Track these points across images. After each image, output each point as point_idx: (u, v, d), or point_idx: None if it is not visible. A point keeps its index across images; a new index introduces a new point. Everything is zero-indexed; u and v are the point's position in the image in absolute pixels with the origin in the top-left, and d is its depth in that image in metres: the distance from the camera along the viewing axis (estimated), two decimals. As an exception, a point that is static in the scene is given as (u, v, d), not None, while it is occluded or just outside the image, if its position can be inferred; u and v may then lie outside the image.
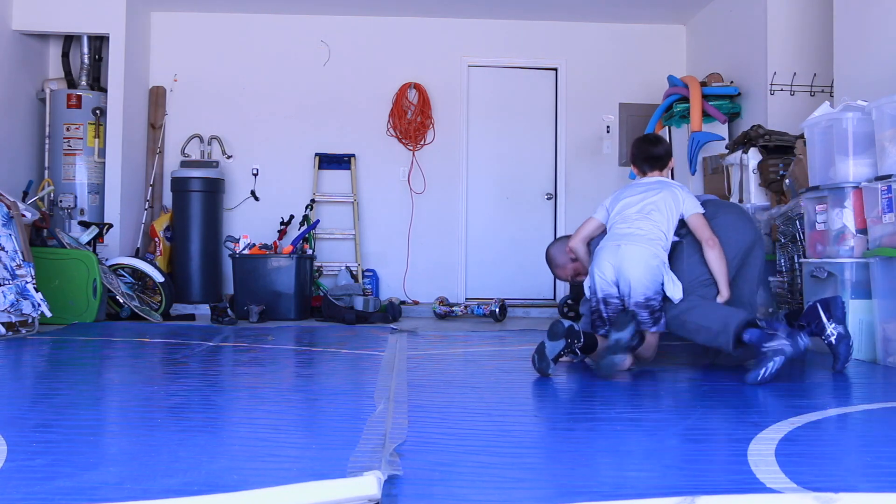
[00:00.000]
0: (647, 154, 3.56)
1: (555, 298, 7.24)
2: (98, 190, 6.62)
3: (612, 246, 3.29)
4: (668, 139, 6.48)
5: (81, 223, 6.20)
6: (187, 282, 6.60)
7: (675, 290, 3.20)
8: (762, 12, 5.82)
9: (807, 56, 5.68)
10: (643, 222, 3.31)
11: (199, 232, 6.64)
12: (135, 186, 6.85)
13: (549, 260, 3.81)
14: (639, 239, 3.26)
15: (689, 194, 3.41)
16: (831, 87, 5.14)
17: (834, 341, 3.19)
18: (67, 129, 6.59)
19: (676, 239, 3.35)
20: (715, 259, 3.25)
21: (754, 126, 4.97)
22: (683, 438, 2.09)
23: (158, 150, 7.05)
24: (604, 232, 3.48)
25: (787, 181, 4.46)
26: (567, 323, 3.12)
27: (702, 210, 3.35)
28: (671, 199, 3.35)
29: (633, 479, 1.68)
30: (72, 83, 6.83)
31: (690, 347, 3.86)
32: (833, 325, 3.19)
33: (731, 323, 3.04)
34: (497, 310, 6.11)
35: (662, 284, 3.21)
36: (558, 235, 7.20)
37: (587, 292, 3.38)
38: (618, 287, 3.24)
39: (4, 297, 4.35)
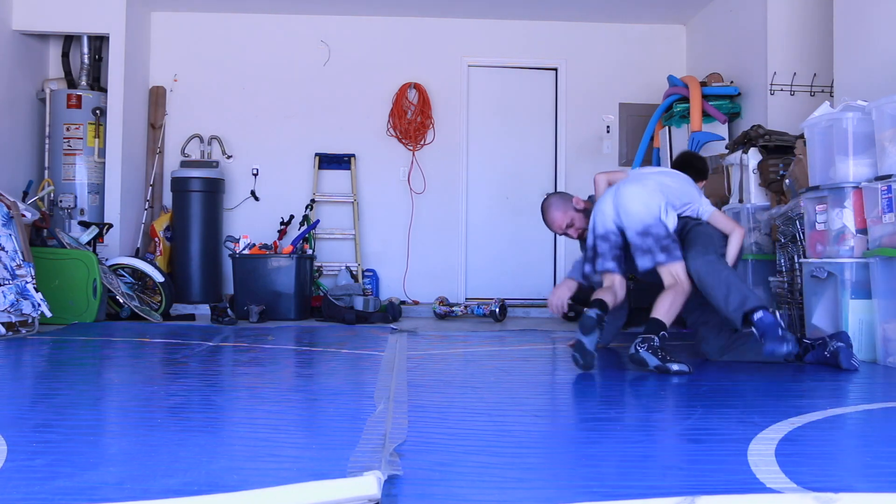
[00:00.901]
0: (681, 160, 4.06)
1: (555, 298, 7.23)
2: (98, 190, 6.62)
3: (612, 190, 3.51)
4: (668, 139, 6.48)
5: (81, 223, 6.20)
6: (187, 282, 6.60)
7: (669, 220, 3.37)
8: (762, 12, 5.82)
9: (807, 56, 5.68)
10: (647, 179, 3.56)
11: (199, 232, 6.64)
12: (135, 186, 6.85)
13: (548, 205, 3.80)
14: (637, 181, 3.51)
15: (704, 198, 3.68)
16: (831, 87, 5.14)
17: (834, 349, 3.32)
18: (67, 129, 6.59)
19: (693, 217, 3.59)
20: (737, 243, 3.52)
21: (754, 126, 4.97)
22: (683, 438, 2.09)
23: (158, 150, 7.05)
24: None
25: (787, 181, 4.46)
26: (591, 313, 3.14)
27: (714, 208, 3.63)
28: (688, 188, 3.60)
29: (633, 479, 1.68)
30: (72, 83, 6.83)
31: (690, 347, 3.86)
32: (834, 342, 3.34)
33: (753, 297, 3.22)
34: (497, 310, 6.11)
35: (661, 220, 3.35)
36: (555, 235, 7.21)
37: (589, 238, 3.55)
38: (617, 226, 3.41)
39: (4, 297, 4.35)
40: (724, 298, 3.22)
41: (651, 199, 3.38)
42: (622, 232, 3.41)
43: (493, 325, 5.82)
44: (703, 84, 6.13)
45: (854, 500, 1.44)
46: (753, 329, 3.19)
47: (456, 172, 7.29)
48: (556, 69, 7.39)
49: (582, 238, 3.78)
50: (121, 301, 5.55)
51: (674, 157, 4.12)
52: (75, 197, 6.52)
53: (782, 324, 3.11)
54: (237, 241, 6.20)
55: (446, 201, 7.28)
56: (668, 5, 6.90)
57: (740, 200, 5.06)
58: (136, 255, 6.55)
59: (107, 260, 5.91)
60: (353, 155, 7.20)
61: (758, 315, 3.12)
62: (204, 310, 6.34)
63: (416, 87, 7.20)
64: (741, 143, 5.04)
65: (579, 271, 3.73)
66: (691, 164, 3.99)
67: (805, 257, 4.09)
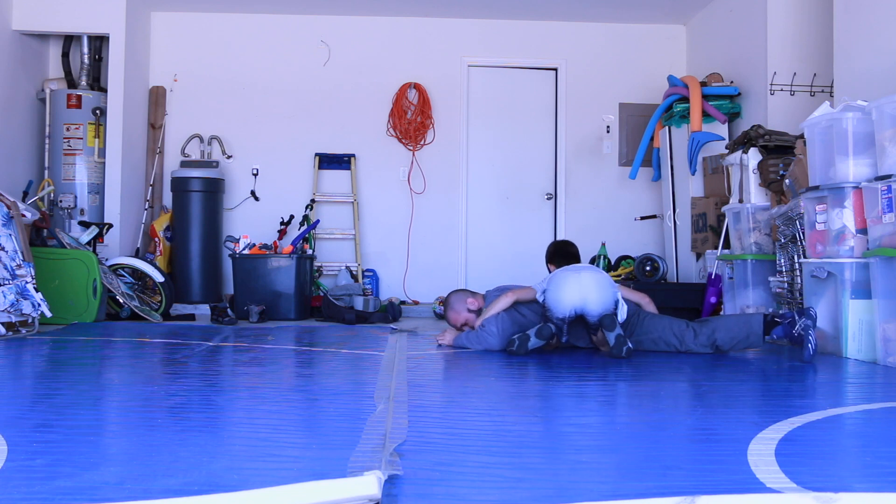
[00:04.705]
0: (565, 252, 4.55)
1: (555, 298, 7.23)
2: (98, 190, 6.62)
3: (573, 276, 3.83)
4: (668, 139, 6.48)
5: (81, 223, 6.20)
6: (187, 282, 6.60)
7: (622, 313, 3.82)
8: (762, 12, 5.82)
9: (807, 56, 5.68)
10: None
11: (199, 232, 6.64)
12: (135, 186, 6.85)
13: (447, 304, 4.27)
14: (595, 270, 3.97)
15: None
16: (831, 87, 5.14)
17: (800, 332, 3.53)
18: (67, 129, 6.59)
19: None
20: (649, 303, 4.11)
21: (754, 126, 4.97)
22: (683, 438, 2.09)
23: (158, 150, 7.05)
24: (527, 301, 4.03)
25: (787, 181, 4.46)
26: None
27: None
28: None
29: (633, 479, 1.68)
30: (72, 83, 6.83)
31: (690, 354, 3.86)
32: (803, 320, 3.55)
33: (753, 319, 3.79)
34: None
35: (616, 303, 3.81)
36: (559, 237, 7.21)
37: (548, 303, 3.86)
38: (574, 313, 3.77)
39: (4, 297, 4.35)
40: (746, 332, 3.74)
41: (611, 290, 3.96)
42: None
43: (493, 325, 5.80)
44: (703, 84, 6.13)
45: (854, 500, 1.44)
46: (778, 330, 3.68)
47: (456, 172, 7.30)
48: (556, 69, 7.39)
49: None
50: (121, 301, 5.55)
51: (553, 250, 4.70)
52: (75, 197, 6.52)
53: (786, 319, 3.63)
54: (237, 241, 6.20)
55: (446, 201, 7.28)
56: (668, 5, 6.90)
57: (740, 200, 5.06)
58: (136, 255, 6.55)
59: (107, 260, 5.91)
60: (353, 155, 7.21)
61: (773, 330, 3.68)
62: (204, 310, 6.34)
63: (416, 87, 7.20)
64: (741, 143, 5.04)
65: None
66: (573, 255, 4.57)
67: (805, 257, 4.09)
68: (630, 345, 3.63)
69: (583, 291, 3.73)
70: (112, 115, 6.56)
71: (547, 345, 3.81)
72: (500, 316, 3.95)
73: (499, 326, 3.92)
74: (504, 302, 3.97)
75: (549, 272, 4.43)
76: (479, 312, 4.13)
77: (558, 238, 7.23)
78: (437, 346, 4.18)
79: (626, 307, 3.86)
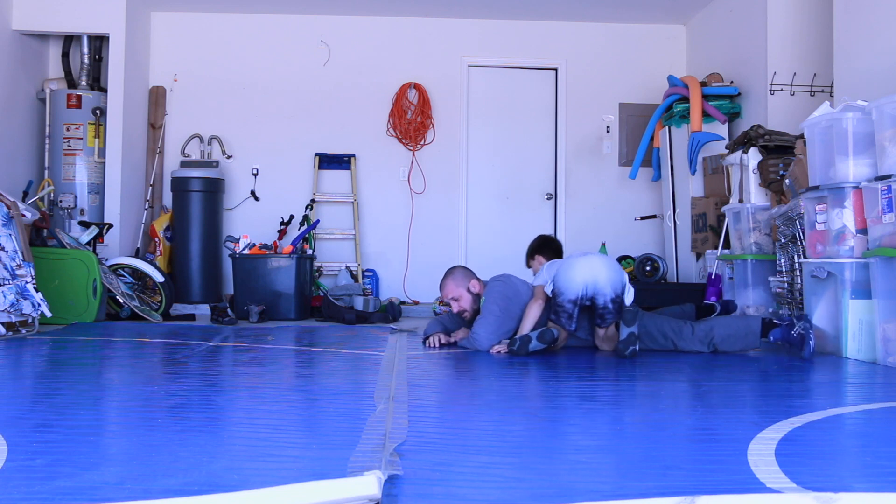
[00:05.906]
0: (554, 247, 4.68)
1: (555, 298, 7.24)
2: (98, 190, 6.62)
3: (583, 258, 3.82)
4: (668, 139, 6.48)
5: (81, 223, 6.20)
6: (187, 282, 6.60)
7: (628, 297, 3.84)
8: (762, 12, 5.82)
9: (807, 56, 5.68)
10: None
11: (199, 232, 6.64)
12: (135, 186, 6.85)
13: (451, 272, 4.15)
14: (602, 255, 4.00)
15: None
16: (831, 87, 5.15)
17: (801, 332, 3.64)
18: (67, 129, 6.59)
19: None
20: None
21: (754, 126, 4.97)
22: (683, 438, 2.09)
23: (158, 150, 7.05)
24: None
25: (787, 181, 4.46)
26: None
27: None
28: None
29: (633, 479, 1.68)
30: (72, 83, 6.83)
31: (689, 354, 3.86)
32: (802, 323, 3.68)
33: (752, 322, 3.89)
34: (497, 310, 6.10)
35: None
36: (559, 237, 7.21)
37: (562, 292, 3.79)
38: (586, 293, 3.74)
39: (4, 297, 4.35)
40: (745, 330, 3.83)
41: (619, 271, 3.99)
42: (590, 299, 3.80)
43: (493, 325, 5.79)
44: (703, 84, 6.13)
45: (854, 500, 1.44)
46: (776, 332, 3.79)
47: (456, 172, 7.30)
48: (556, 69, 7.39)
49: (460, 314, 4.14)
50: (121, 301, 5.55)
51: (541, 243, 4.76)
52: (75, 197, 6.52)
53: (786, 321, 3.75)
54: (237, 241, 6.20)
55: (446, 201, 7.28)
56: (668, 5, 6.91)
57: (740, 200, 5.06)
58: (136, 255, 6.55)
59: (107, 260, 5.91)
60: (353, 155, 7.21)
61: (771, 332, 3.80)
62: (204, 310, 6.34)
63: (416, 87, 7.20)
64: (741, 143, 5.04)
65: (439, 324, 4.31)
66: (560, 249, 4.70)
67: (805, 257, 4.09)
68: (637, 347, 3.62)
69: (594, 270, 3.73)
70: (112, 115, 6.56)
71: (547, 348, 3.81)
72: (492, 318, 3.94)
73: (488, 331, 3.90)
74: (535, 313, 3.87)
75: (529, 265, 4.59)
76: (477, 297, 4.09)
77: (558, 235, 7.23)
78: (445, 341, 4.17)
79: (632, 291, 3.89)
